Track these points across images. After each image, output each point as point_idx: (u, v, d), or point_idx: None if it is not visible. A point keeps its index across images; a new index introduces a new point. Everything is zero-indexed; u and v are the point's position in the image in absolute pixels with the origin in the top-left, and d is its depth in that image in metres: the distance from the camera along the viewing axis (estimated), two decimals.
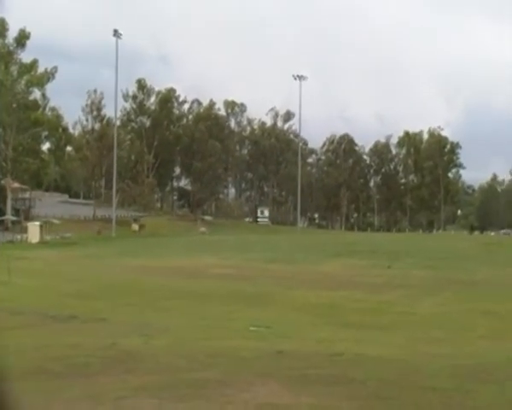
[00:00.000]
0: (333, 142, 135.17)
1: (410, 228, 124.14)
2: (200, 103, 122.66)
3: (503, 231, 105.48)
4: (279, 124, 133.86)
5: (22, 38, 77.58)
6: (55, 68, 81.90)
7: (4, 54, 77.48)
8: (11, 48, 77.99)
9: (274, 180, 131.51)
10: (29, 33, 77.47)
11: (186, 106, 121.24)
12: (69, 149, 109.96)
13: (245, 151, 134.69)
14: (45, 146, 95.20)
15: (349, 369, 9.49)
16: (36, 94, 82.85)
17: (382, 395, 7.69)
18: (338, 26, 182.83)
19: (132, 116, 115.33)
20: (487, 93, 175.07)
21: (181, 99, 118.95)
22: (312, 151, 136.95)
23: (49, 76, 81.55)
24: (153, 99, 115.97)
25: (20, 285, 25.91)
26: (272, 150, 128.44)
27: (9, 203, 77.35)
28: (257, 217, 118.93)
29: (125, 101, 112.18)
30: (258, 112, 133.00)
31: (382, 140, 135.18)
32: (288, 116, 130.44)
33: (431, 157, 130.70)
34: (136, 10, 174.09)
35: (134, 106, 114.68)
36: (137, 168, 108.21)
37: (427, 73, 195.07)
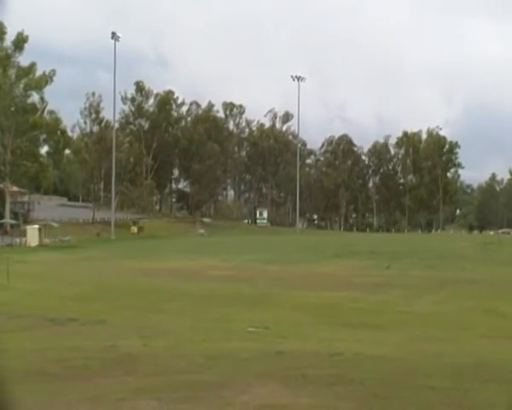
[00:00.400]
0: (331, 142, 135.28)
1: (409, 228, 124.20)
2: (198, 105, 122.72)
3: (501, 231, 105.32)
4: (278, 125, 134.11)
5: (20, 42, 77.41)
6: (54, 71, 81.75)
7: (2, 57, 77.22)
8: (9, 51, 77.82)
9: (273, 181, 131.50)
10: (27, 36, 77.31)
11: (184, 108, 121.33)
12: (68, 152, 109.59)
13: (243, 153, 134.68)
14: (44, 149, 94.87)
15: (348, 369, 9.49)
16: (34, 97, 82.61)
17: (382, 394, 7.68)
18: (336, 26, 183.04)
19: (131, 119, 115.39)
20: (486, 93, 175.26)
21: (179, 101, 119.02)
22: (311, 152, 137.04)
23: (47, 79, 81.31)
24: (151, 101, 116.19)
25: (19, 288, 25.91)
26: (271, 152, 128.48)
27: (8, 207, 77.27)
28: (256, 218, 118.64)
29: (124, 103, 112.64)
30: (257, 113, 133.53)
31: (381, 140, 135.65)
32: (287, 117, 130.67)
33: (430, 157, 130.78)
34: (134, 13, 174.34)
35: (132, 108, 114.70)
36: (136, 171, 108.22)
37: (426, 73, 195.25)
